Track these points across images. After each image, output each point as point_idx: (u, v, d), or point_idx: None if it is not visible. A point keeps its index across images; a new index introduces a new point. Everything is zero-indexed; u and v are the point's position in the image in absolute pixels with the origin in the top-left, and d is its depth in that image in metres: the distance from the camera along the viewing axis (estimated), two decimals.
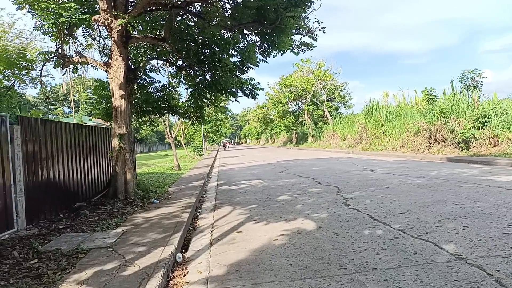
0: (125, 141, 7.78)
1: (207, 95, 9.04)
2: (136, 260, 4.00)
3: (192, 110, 10.15)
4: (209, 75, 8.93)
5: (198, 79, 9.13)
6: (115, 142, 7.77)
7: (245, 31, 8.16)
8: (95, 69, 8.55)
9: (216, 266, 3.97)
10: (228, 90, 8.71)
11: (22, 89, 37.83)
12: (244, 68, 8.75)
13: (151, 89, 10.06)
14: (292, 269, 3.69)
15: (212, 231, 5.64)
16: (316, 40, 8.47)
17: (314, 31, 8.19)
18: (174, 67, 9.77)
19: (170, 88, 10.45)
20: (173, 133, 19.67)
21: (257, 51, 8.11)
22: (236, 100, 9.58)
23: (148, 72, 10.19)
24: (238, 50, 8.00)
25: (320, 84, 37.48)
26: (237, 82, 8.44)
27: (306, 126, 43.92)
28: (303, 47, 8.85)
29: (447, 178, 9.45)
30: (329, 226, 5.35)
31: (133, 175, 8.03)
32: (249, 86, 9.09)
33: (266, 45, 7.85)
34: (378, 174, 11.34)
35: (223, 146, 59.66)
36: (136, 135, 63.96)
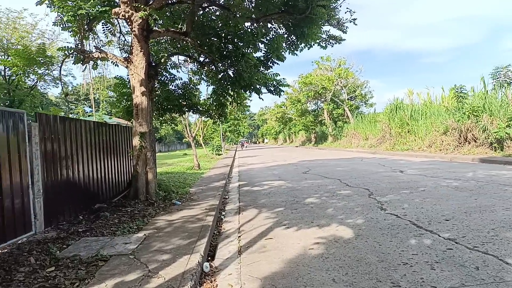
0: (146, 139, 7.47)
1: (230, 91, 8.64)
2: (161, 270, 3.62)
3: (214, 107, 9.79)
4: (232, 71, 8.53)
5: (220, 75, 8.75)
6: (136, 141, 7.46)
7: (270, 24, 7.71)
8: (115, 65, 8.29)
9: (248, 279, 3.55)
10: (252, 87, 8.28)
11: (44, 88, 38.58)
12: (269, 63, 8.31)
13: (172, 86, 9.74)
14: (337, 286, 3.24)
15: (239, 236, 5.23)
16: (345, 33, 7.96)
17: (344, 22, 7.68)
18: (195, 63, 9.42)
19: (191, 86, 10.11)
20: (193, 132, 19.40)
21: (283, 44, 7.65)
22: (259, 97, 9.16)
23: (169, 69, 9.88)
24: (266, 42, 7.55)
25: (341, 83, 36.63)
26: (262, 78, 8.01)
27: (326, 125, 43.13)
28: (331, 41, 8.35)
29: (486, 180, 8.77)
30: (368, 233, 4.85)
31: (154, 175, 7.72)
32: (274, 82, 8.65)
33: (294, 38, 7.38)
34: (409, 175, 10.71)
35: (241, 146, 59.23)
36: (155, 134, 64.64)
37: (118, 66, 8.58)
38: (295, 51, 7.91)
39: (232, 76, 8.31)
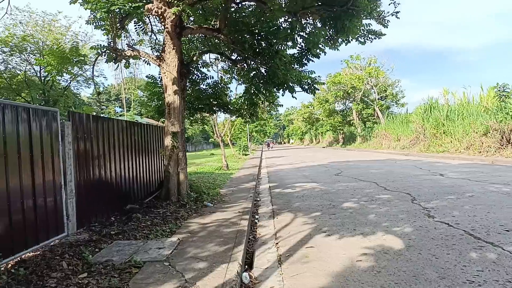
0: (178, 139, 7.29)
1: (263, 90, 8.33)
2: (198, 281, 3.35)
3: (246, 107, 9.52)
4: (265, 68, 8.22)
5: (252, 74, 8.46)
6: (168, 141, 7.29)
7: (307, 18, 7.33)
8: (147, 64, 8.17)
9: None
10: (285, 85, 7.94)
11: (77, 89, 39.76)
12: (304, 60, 7.94)
13: (203, 85, 9.56)
14: None
15: (277, 243, 4.90)
16: (386, 27, 7.47)
17: (386, 16, 7.20)
18: (228, 61, 9.18)
19: (221, 85, 9.89)
20: (222, 133, 19.25)
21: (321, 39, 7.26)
22: (292, 96, 8.81)
23: (200, 67, 9.71)
24: (305, 36, 7.17)
25: (371, 82, 35.58)
26: (297, 75, 7.66)
27: (355, 125, 42.10)
28: (370, 36, 7.88)
29: None
30: (420, 244, 4.41)
31: (186, 176, 7.53)
32: (308, 80, 8.27)
33: (333, 32, 6.97)
34: (451, 179, 10.03)
35: (267, 146, 58.82)
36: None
37: (149, 64, 8.47)
38: (335, 47, 7.49)
39: (265, 74, 8.00)
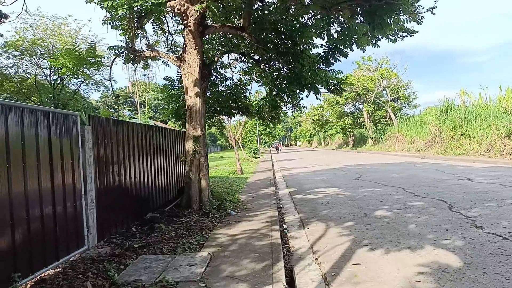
0: (200, 144, 6.91)
1: (287, 91, 7.90)
2: None
3: (267, 109, 9.13)
4: (289, 69, 7.81)
5: (275, 74, 8.06)
6: (189, 145, 6.92)
7: (340, 14, 6.92)
8: (166, 65, 7.82)
9: None
10: (310, 86, 7.53)
11: (86, 92, 39.75)
12: (331, 59, 7.52)
13: (222, 87, 9.19)
14: None
15: (316, 259, 4.48)
16: (420, 24, 7.02)
17: (421, 12, 6.77)
18: (250, 62, 8.78)
19: (240, 87, 9.51)
20: (235, 135, 18.86)
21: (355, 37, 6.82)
22: (317, 97, 8.39)
23: (219, 68, 9.33)
24: (340, 31, 6.72)
25: (383, 83, 34.99)
26: (324, 76, 7.24)
27: (366, 127, 41.47)
28: (401, 33, 7.44)
29: None
30: (480, 261, 3.95)
31: (207, 182, 7.15)
32: (335, 80, 7.85)
33: (370, 28, 6.52)
34: (482, 184, 9.51)
35: (276, 148, 58.16)
36: None
37: (169, 66, 8.15)
38: (375, 43, 7.04)
39: (290, 74, 7.59)
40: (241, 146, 27.25)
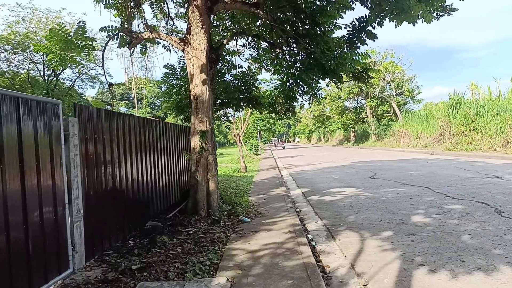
0: (207, 140, 5.94)
1: (306, 79, 6.85)
2: None
3: (281, 101, 8.14)
4: (307, 53, 6.81)
5: (292, 60, 7.07)
6: (195, 142, 5.94)
7: None
8: (167, 50, 6.83)
9: None
10: (335, 73, 6.55)
11: (82, 88, 38.58)
12: (356, 42, 6.52)
13: (229, 76, 8.20)
14: None
15: (365, 286, 3.52)
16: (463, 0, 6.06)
17: None
18: (261, 47, 7.76)
19: (249, 76, 8.50)
20: (240, 131, 17.82)
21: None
22: (338, 87, 7.45)
23: (225, 55, 8.34)
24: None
25: (388, 77, 33.97)
26: (350, 61, 6.25)
27: (368, 123, 40.52)
28: (437, 13, 6.48)
29: None
30: None
31: (216, 184, 6.17)
32: (359, 67, 6.87)
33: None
34: None
35: (275, 145, 56.80)
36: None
37: (170, 51, 7.16)
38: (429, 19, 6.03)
39: (310, 60, 6.60)
40: (243, 143, 26.27)
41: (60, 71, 35.72)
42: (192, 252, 4.34)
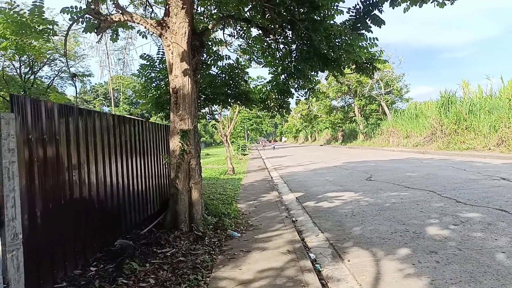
0: (189, 141, 5.02)
1: (302, 72, 5.98)
2: None
3: (274, 97, 7.25)
4: (304, 42, 5.96)
5: (286, 49, 6.21)
6: (175, 143, 5.02)
7: None
8: (142, 37, 5.90)
9: None
10: (336, 63, 5.71)
11: (61, 87, 36.96)
12: (360, 28, 5.69)
13: (215, 68, 7.28)
14: None
15: None
16: None
17: None
18: (251, 36, 6.85)
19: (238, 70, 7.60)
20: (227, 131, 16.84)
21: None
22: (338, 81, 6.63)
23: (210, 46, 7.42)
24: None
25: (377, 76, 33.45)
26: (353, 49, 5.42)
27: (357, 122, 40.06)
28: None
29: None
30: None
31: (200, 192, 5.26)
32: (364, 56, 6.05)
33: None
34: None
35: (264, 145, 55.50)
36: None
37: (146, 38, 6.23)
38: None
39: (308, 49, 5.74)
40: (229, 143, 25.33)
41: (38, 69, 34.21)
42: (168, 284, 3.42)
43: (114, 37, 5.75)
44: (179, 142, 4.95)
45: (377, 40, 5.67)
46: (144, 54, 6.69)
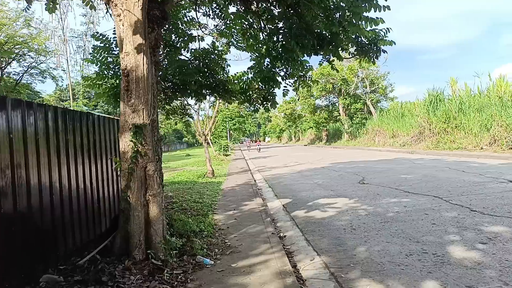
0: (146, 139, 3.79)
1: (293, 49, 4.77)
2: None
3: (257, 86, 6.05)
4: (293, 20, 4.80)
5: (273, 26, 5.04)
6: (125, 142, 3.78)
7: None
8: (86, 4, 4.61)
9: None
10: (334, 43, 4.59)
11: (30, 83, 34.77)
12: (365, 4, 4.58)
13: (187, 52, 6.04)
14: None
15: None
16: None
17: None
18: (236, 9, 5.63)
19: (213, 55, 6.38)
20: (205, 130, 15.54)
21: None
22: (333, 68, 5.52)
23: (180, 26, 6.18)
24: None
25: (362, 73, 32.75)
26: (366, 20, 4.28)
27: (341, 122, 39.35)
28: None
29: None
30: None
31: (161, 207, 4.01)
32: (365, 38, 4.96)
33: None
34: None
35: (248, 146, 51.54)
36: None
37: (94, 8, 4.83)
38: None
39: (299, 23, 4.58)
40: (211, 143, 23.99)
41: (5, 65, 32.02)
42: None
43: (52, 6, 4.45)
44: (131, 140, 3.71)
45: (383, 21, 4.53)
46: (97, 33, 5.39)
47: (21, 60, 31.30)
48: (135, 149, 3.73)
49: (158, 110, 6.18)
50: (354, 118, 38.48)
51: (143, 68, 3.77)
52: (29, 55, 31.38)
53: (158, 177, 3.96)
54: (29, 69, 32.42)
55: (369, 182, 9.93)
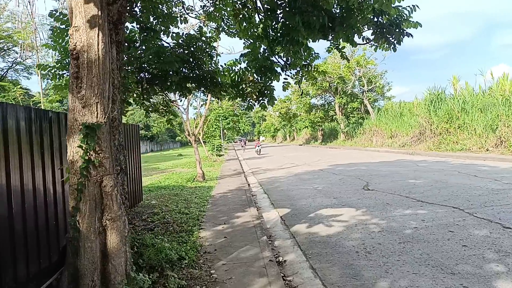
0: (100, 144, 2.81)
1: (297, 28, 3.79)
2: None
3: (251, 78, 5.06)
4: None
5: (270, 6, 4.08)
6: (73, 147, 2.79)
7: None
8: None
9: None
10: (348, 23, 3.65)
11: (15, 79, 33.37)
12: None
13: (167, 37, 5.06)
14: None
15: None
16: None
17: None
18: None
19: (201, 43, 5.40)
20: (196, 129, 14.50)
21: None
22: (344, 56, 4.58)
23: (161, 7, 5.18)
24: None
25: (359, 72, 31.86)
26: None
27: (337, 121, 38.49)
28: None
29: None
30: None
31: (123, 234, 3.02)
32: (384, 19, 4.02)
33: None
34: None
35: (243, 146, 49.47)
36: (145, 132, 58.57)
37: None
38: None
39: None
40: (202, 143, 22.94)
41: None
42: None
43: None
44: (80, 145, 2.72)
45: None
46: (54, 11, 4.38)
47: (5, 55, 30.00)
48: (86, 157, 2.74)
49: (136, 107, 5.16)
50: (350, 118, 37.67)
51: (98, 48, 2.78)
52: (14, 50, 30.05)
53: (119, 194, 2.97)
54: (13, 65, 31.09)
55: (375, 188, 9.02)
